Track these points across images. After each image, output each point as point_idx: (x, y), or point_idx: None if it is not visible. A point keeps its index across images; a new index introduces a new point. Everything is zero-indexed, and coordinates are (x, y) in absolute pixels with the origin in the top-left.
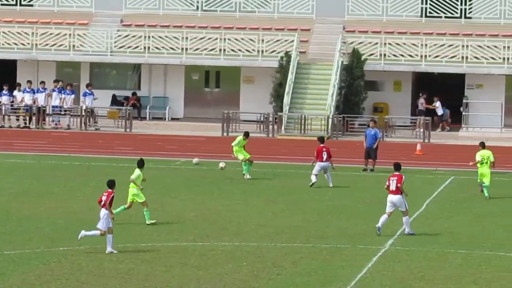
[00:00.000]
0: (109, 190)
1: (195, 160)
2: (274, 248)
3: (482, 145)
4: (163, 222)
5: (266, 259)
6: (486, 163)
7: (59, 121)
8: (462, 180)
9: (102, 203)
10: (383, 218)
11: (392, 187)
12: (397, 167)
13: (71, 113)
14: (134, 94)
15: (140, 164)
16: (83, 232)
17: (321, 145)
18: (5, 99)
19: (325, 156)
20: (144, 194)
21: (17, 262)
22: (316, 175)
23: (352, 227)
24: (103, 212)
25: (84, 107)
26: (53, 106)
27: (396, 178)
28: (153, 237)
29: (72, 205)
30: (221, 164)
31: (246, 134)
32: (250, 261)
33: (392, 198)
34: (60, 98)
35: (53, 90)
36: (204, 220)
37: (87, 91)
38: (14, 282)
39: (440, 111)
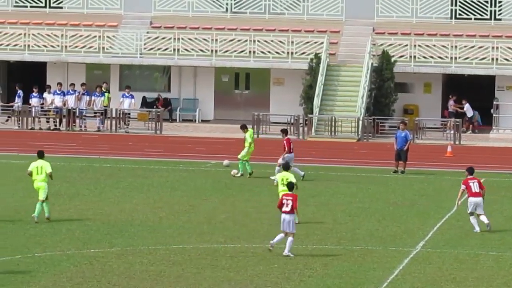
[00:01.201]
0: (291, 193)
1: (226, 162)
2: (305, 250)
3: None
4: (193, 224)
5: (297, 260)
6: None
7: (101, 123)
8: (493, 182)
9: (289, 207)
10: (474, 220)
11: (475, 189)
12: (471, 171)
13: (105, 116)
14: (165, 99)
15: (286, 167)
16: (272, 242)
17: (287, 137)
18: (35, 101)
19: (292, 147)
20: None
21: (48, 264)
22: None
23: (383, 229)
24: (290, 216)
25: (119, 109)
26: (81, 109)
27: (476, 181)
28: (184, 239)
29: (102, 207)
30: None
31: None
32: (281, 263)
33: (475, 200)
34: (90, 101)
35: (83, 93)
36: (235, 222)
37: (126, 93)
38: (45, 284)
39: (469, 113)
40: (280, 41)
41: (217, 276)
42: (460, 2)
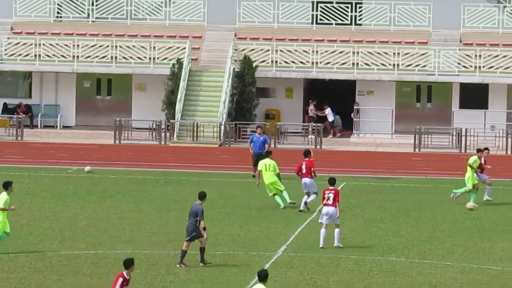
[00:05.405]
0: (333, 187)
1: (87, 168)
2: (167, 256)
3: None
4: (55, 231)
5: (159, 266)
6: None
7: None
8: (354, 185)
9: (330, 201)
10: None
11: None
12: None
13: None
14: (27, 105)
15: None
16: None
17: None
18: None
19: None
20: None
21: None
22: None
23: (245, 234)
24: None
25: None
26: None
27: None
28: (45, 245)
29: None
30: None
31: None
32: (143, 269)
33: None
34: None
35: None
36: (97, 228)
37: None
38: None
39: (330, 118)
40: (142, 47)
41: (79, 283)
42: (321, 7)
